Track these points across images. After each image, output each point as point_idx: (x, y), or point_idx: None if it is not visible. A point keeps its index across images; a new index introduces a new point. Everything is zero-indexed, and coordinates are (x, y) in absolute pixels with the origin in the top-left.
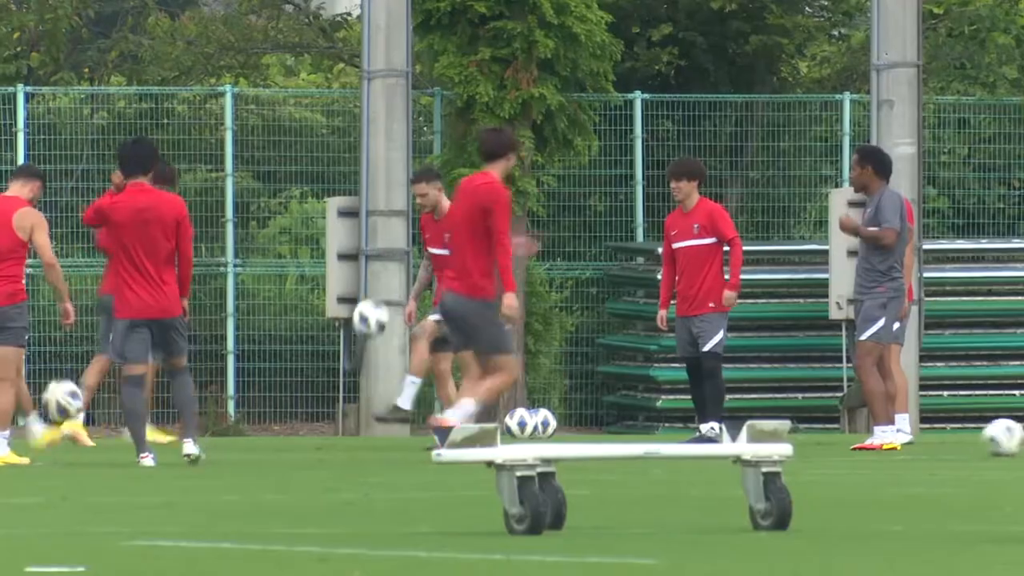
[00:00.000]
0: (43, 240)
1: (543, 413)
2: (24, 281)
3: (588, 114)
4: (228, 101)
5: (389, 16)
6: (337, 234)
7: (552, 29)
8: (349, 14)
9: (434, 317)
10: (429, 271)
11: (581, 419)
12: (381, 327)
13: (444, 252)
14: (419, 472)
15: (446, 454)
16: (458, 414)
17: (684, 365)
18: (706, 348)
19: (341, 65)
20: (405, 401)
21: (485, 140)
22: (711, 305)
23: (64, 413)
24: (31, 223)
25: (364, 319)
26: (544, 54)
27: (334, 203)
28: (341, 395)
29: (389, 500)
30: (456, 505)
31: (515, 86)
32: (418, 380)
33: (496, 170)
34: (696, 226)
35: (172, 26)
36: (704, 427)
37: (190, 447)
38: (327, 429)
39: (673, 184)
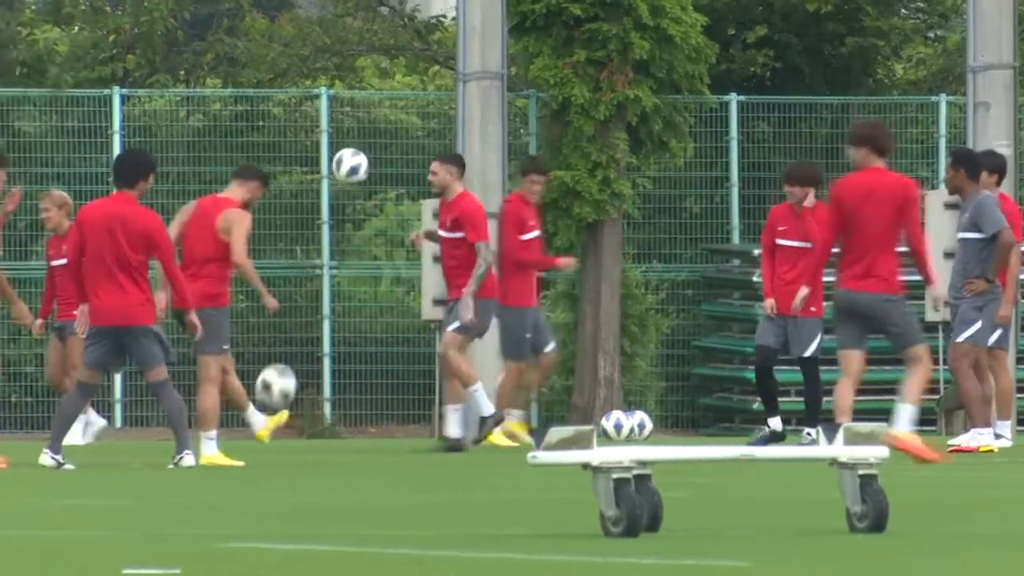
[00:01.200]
0: (236, 238)
1: (639, 415)
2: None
3: (683, 116)
4: (323, 103)
5: (484, 18)
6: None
7: (647, 31)
8: (444, 16)
9: (452, 327)
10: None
11: (677, 421)
12: (285, 396)
13: (445, 235)
14: (515, 474)
15: (542, 456)
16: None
17: (760, 354)
18: (807, 353)
19: (436, 67)
20: (454, 430)
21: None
22: (812, 309)
23: (286, 398)
24: (231, 223)
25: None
26: (639, 56)
27: (429, 205)
28: (437, 397)
29: (485, 502)
30: (552, 507)
31: (610, 88)
32: (461, 404)
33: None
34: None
35: (269, 28)
36: (773, 422)
37: (189, 459)
38: (423, 431)
39: (788, 188)
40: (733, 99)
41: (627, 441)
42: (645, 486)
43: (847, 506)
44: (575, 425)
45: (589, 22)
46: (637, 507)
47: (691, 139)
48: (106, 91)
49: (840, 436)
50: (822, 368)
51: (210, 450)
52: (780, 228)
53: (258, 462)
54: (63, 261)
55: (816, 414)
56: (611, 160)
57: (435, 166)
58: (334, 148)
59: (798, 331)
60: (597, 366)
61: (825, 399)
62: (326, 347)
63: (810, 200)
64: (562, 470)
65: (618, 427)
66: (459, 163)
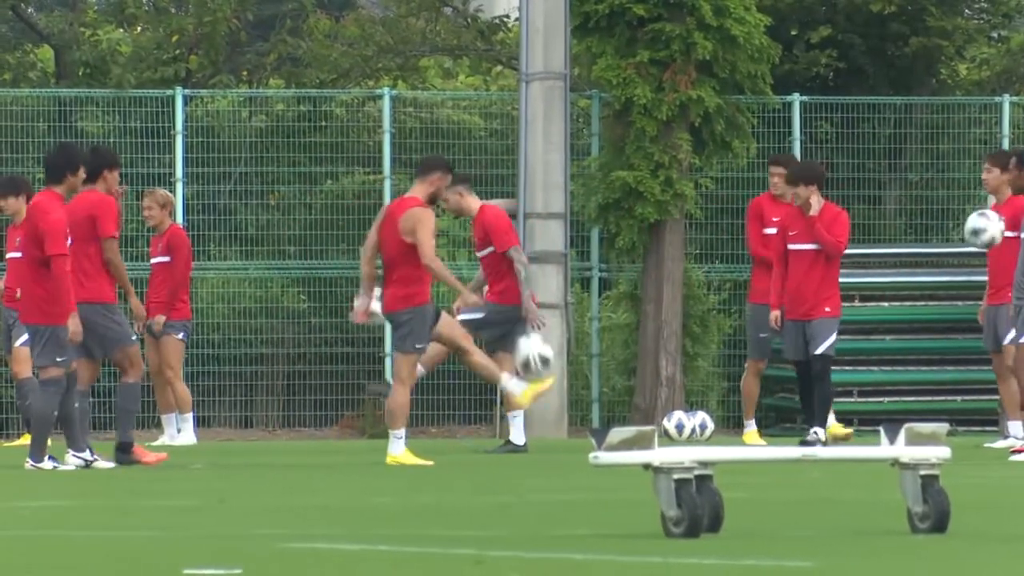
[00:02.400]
0: (423, 238)
1: (701, 415)
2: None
3: (746, 116)
4: (386, 103)
5: (547, 18)
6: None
7: (711, 31)
8: (507, 16)
9: (462, 317)
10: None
11: (739, 422)
12: (545, 362)
13: (480, 254)
14: (576, 474)
15: (603, 456)
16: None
17: (795, 368)
18: (818, 351)
19: (499, 67)
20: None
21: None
22: (827, 310)
23: (546, 363)
24: (412, 223)
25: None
26: (702, 56)
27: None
28: (498, 397)
29: (545, 502)
30: (613, 507)
31: (673, 88)
32: (509, 376)
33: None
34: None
35: (332, 28)
36: (811, 433)
37: (33, 462)
38: (484, 431)
39: (793, 189)
40: (796, 99)
41: (688, 441)
42: (706, 486)
43: (908, 506)
44: (636, 425)
45: (652, 22)
46: (698, 507)
47: (754, 139)
48: (169, 92)
49: (902, 436)
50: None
51: (397, 449)
52: (791, 233)
53: (320, 463)
54: (165, 259)
55: (825, 413)
56: (674, 160)
57: (445, 193)
58: (396, 148)
59: (813, 330)
60: (659, 366)
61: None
62: (388, 347)
63: (817, 201)
64: (623, 470)
65: (679, 427)
66: (465, 180)
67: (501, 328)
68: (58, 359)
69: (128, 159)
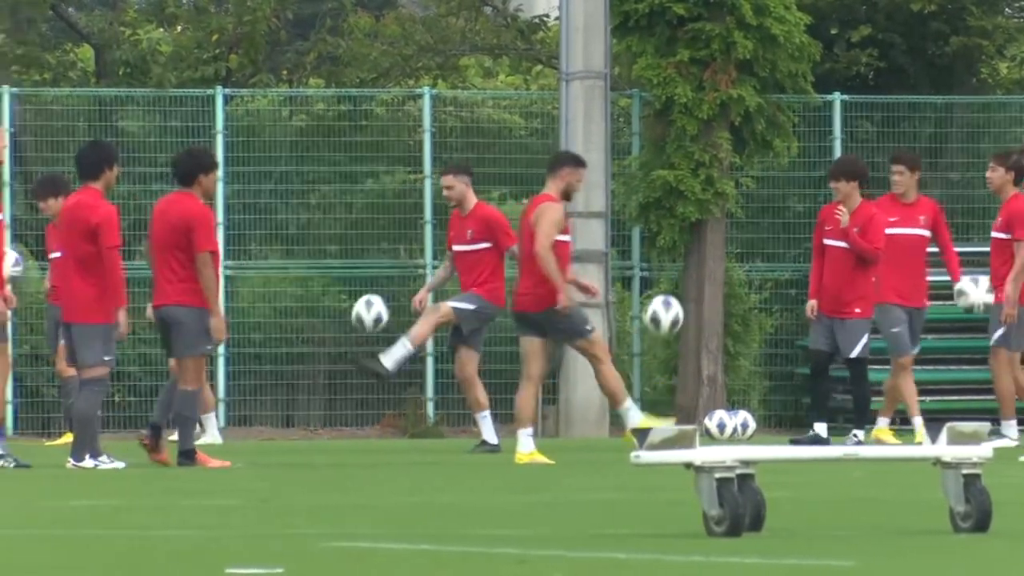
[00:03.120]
0: (542, 227)
1: (742, 415)
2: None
3: (787, 115)
4: (426, 103)
5: (587, 18)
6: None
7: (751, 30)
8: (547, 15)
9: (452, 303)
10: (448, 270)
11: (780, 421)
12: (377, 321)
13: (459, 248)
14: (617, 473)
15: (644, 456)
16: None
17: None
18: (853, 355)
19: (539, 67)
20: (389, 361)
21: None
22: (856, 311)
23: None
24: (539, 215)
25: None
26: (743, 55)
27: None
28: (540, 397)
29: (588, 501)
30: (654, 507)
31: (713, 87)
32: (411, 348)
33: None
34: (855, 229)
35: (372, 26)
36: (819, 427)
37: (75, 461)
38: None
39: (832, 184)
40: (837, 98)
41: (730, 441)
42: (748, 486)
43: (950, 506)
44: (678, 425)
45: (692, 21)
46: (740, 507)
47: (795, 138)
48: (209, 91)
49: (944, 435)
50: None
51: (526, 447)
52: (827, 227)
53: (362, 462)
54: None
55: (864, 415)
56: (714, 159)
57: (447, 179)
58: (437, 147)
59: (845, 332)
60: (700, 365)
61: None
62: (429, 346)
63: (855, 198)
64: (665, 470)
65: (721, 427)
66: (469, 172)
67: (483, 325)
68: (105, 358)
69: (168, 159)
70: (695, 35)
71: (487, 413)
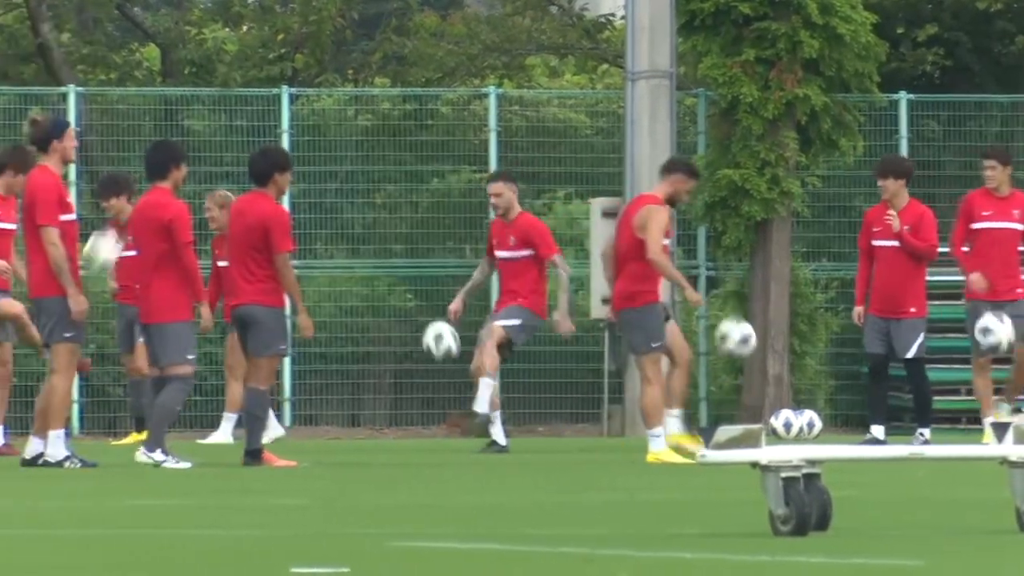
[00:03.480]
0: (651, 232)
1: (809, 414)
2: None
3: (853, 115)
4: (492, 102)
5: (653, 17)
6: (601, 235)
7: (817, 30)
8: (613, 15)
9: (499, 322)
10: (485, 273)
11: (847, 420)
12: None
13: (502, 255)
14: (683, 473)
15: (711, 455)
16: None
17: (870, 362)
18: (909, 355)
19: (605, 66)
20: (482, 405)
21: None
22: (912, 310)
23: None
24: (645, 218)
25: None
26: (809, 55)
27: (598, 204)
28: (605, 396)
29: (654, 501)
30: (721, 506)
31: (779, 87)
32: (492, 380)
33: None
34: (906, 228)
35: (438, 26)
36: (876, 430)
37: (147, 451)
38: (591, 430)
39: (880, 182)
40: (903, 97)
41: (796, 440)
42: (814, 485)
43: (1017, 505)
44: (744, 424)
45: (758, 21)
46: (806, 506)
47: (861, 138)
48: (275, 90)
49: (1010, 435)
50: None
51: (657, 446)
52: (875, 229)
53: (428, 462)
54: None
55: (927, 414)
56: (780, 159)
57: (497, 187)
58: (502, 147)
59: (901, 332)
60: (766, 365)
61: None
62: None
63: (902, 196)
64: (731, 469)
65: (787, 426)
66: (515, 180)
67: (530, 336)
68: (189, 356)
69: (234, 158)
70: (761, 34)
71: (499, 413)
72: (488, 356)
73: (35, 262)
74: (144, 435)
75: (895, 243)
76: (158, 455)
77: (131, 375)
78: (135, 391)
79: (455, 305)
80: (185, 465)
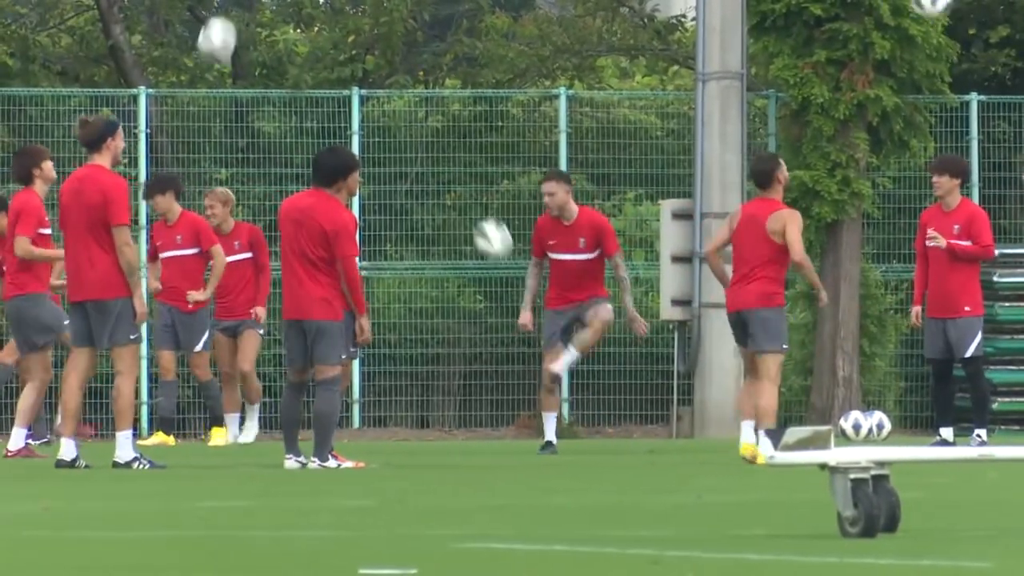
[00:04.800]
0: (793, 237)
1: (878, 415)
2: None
3: (924, 116)
4: (562, 103)
5: (724, 18)
6: (671, 236)
7: (888, 31)
8: (684, 16)
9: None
10: (539, 277)
11: (916, 421)
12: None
13: (569, 257)
14: (752, 474)
15: (779, 456)
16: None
17: (932, 367)
18: (967, 354)
19: (676, 67)
20: (558, 366)
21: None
22: (967, 309)
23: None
24: (781, 223)
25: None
26: (880, 56)
27: (668, 205)
28: (675, 397)
29: (722, 502)
30: (789, 507)
31: (850, 88)
32: (578, 354)
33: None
34: (956, 227)
35: (509, 26)
36: (945, 432)
37: (313, 465)
38: (661, 432)
39: (935, 179)
40: (974, 99)
41: (865, 441)
42: (883, 486)
43: None
44: (813, 425)
45: (829, 22)
46: (875, 507)
47: (931, 139)
48: (345, 92)
49: None
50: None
51: (748, 435)
52: (929, 230)
53: (497, 463)
54: (246, 255)
55: (984, 415)
56: (851, 160)
57: (550, 186)
58: (573, 148)
59: (957, 332)
60: (836, 366)
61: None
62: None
63: (955, 195)
64: (800, 470)
65: (856, 427)
66: (569, 179)
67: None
68: (343, 356)
69: (304, 159)
70: (832, 35)
71: (555, 414)
72: (592, 335)
73: (94, 262)
74: (168, 437)
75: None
76: (330, 463)
77: (198, 373)
78: (165, 391)
79: (525, 318)
80: (350, 464)
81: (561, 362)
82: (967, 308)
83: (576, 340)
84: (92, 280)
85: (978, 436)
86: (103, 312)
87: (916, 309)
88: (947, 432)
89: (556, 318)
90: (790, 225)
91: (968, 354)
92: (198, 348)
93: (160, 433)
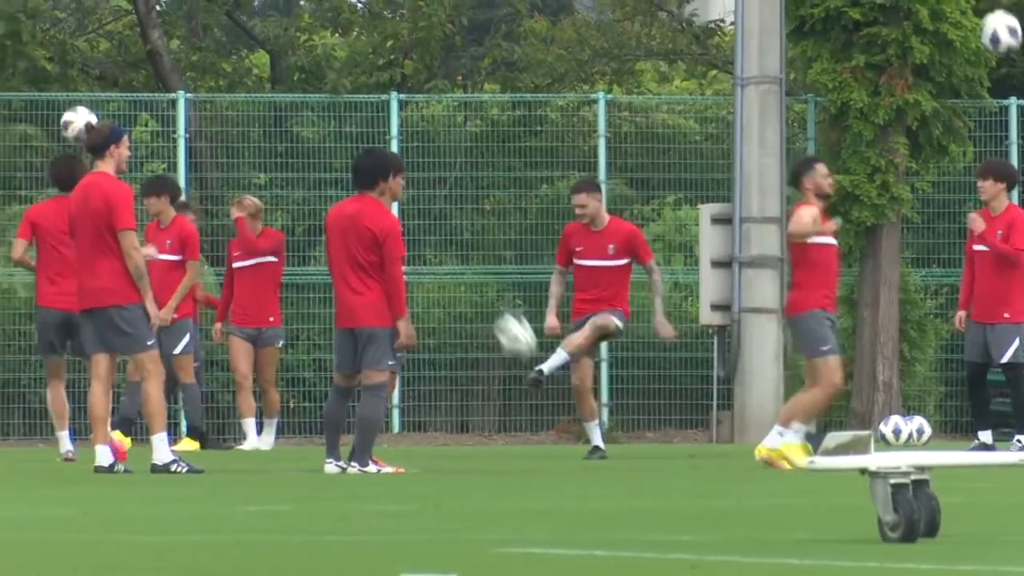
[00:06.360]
0: (792, 223)
1: (918, 420)
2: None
3: (963, 120)
4: (601, 108)
5: (763, 22)
6: (710, 241)
7: (927, 35)
8: (723, 20)
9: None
10: (563, 284)
11: (956, 426)
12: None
13: (597, 263)
14: (792, 479)
15: (819, 461)
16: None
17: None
18: (1004, 359)
19: (714, 71)
20: (546, 365)
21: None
22: (1005, 315)
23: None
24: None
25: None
26: (919, 60)
27: (707, 210)
28: (715, 402)
29: (762, 507)
30: (829, 512)
31: (889, 92)
32: (567, 357)
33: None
34: (999, 232)
35: (548, 31)
36: (984, 435)
37: (352, 470)
38: (701, 436)
39: (979, 183)
40: (1013, 103)
41: (905, 446)
42: (923, 491)
43: None
44: (853, 430)
45: (868, 26)
46: (915, 512)
47: (970, 143)
48: (384, 96)
49: None
50: None
51: (783, 438)
52: (975, 234)
53: (537, 468)
54: (253, 261)
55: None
56: (890, 164)
57: (581, 198)
58: (612, 152)
59: (995, 337)
60: (876, 371)
61: None
62: (604, 352)
63: (1001, 200)
64: (840, 475)
65: (897, 432)
66: (600, 188)
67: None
68: (390, 362)
69: (343, 164)
70: (871, 40)
71: (597, 421)
72: (583, 337)
73: (103, 269)
74: (127, 439)
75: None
76: (370, 468)
77: (180, 375)
78: (131, 392)
79: (552, 322)
80: (390, 469)
81: (548, 363)
82: (1006, 315)
83: (564, 341)
84: (102, 287)
85: (1018, 441)
86: (117, 319)
87: (961, 314)
88: (986, 435)
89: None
90: (793, 216)
91: (1004, 359)
92: (177, 351)
93: (118, 432)
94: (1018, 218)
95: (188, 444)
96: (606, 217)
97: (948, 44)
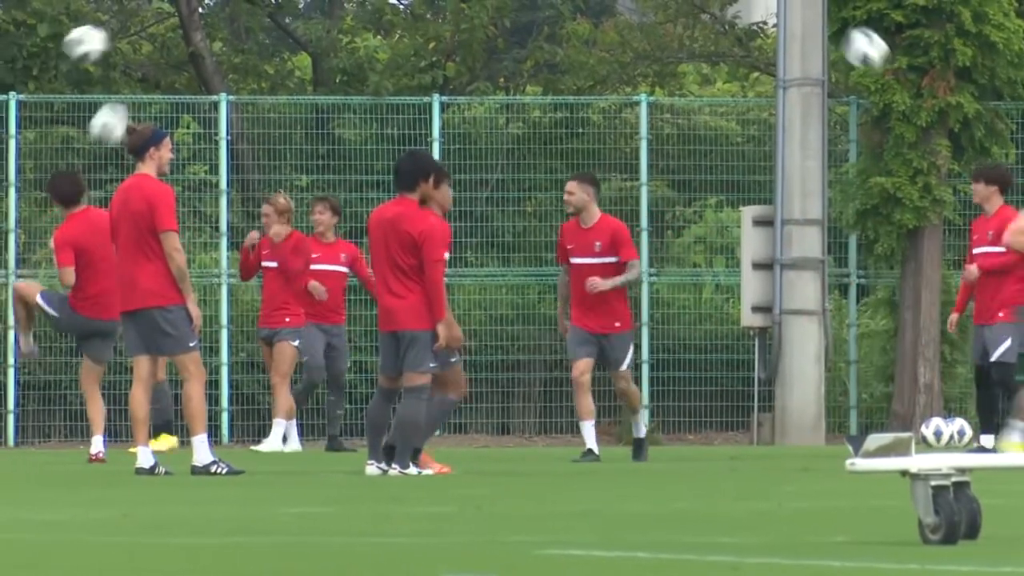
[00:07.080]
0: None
1: (959, 422)
2: None
3: (1005, 122)
4: (643, 110)
5: (805, 25)
6: (752, 243)
7: (970, 37)
8: (765, 23)
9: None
10: (568, 285)
11: (997, 428)
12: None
13: (585, 261)
14: (833, 481)
15: (860, 463)
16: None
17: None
18: (994, 358)
19: (757, 74)
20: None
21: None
22: (1000, 315)
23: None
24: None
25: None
26: (962, 62)
27: (749, 212)
28: (756, 404)
29: (803, 509)
30: (870, 514)
31: (932, 94)
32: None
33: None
34: (990, 233)
35: (590, 33)
36: (985, 439)
37: (393, 472)
38: (741, 438)
39: (972, 186)
40: None
41: (946, 448)
42: (963, 493)
43: None
44: (894, 432)
45: (910, 28)
46: (956, 514)
47: (1013, 146)
48: (426, 98)
49: None
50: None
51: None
52: (974, 237)
53: (578, 470)
54: (273, 264)
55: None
56: (932, 167)
57: (571, 185)
58: (653, 155)
59: (991, 336)
60: (917, 373)
61: None
62: (644, 354)
63: (994, 202)
64: (881, 477)
65: (938, 434)
66: (595, 183)
67: None
68: (430, 364)
69: (385, 166)
70: (913, 42)
71: (593, 421)
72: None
73: (145, 271)
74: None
75: (987, 249)
76: (411, 470)
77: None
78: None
79: (565, 326)
80: (430, 471)
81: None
82: (1000, 315)
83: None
84: (145, 289)
85: (982, 447)
86: (160, 320)
87: (953, 317)
88: (987, 440)
89: (580, 335)
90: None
91: (994, 358)
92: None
93: (164, 434)
94: (1008, 219)
95: (165, 441)
96: (596, 213)
97: (991, 46)
